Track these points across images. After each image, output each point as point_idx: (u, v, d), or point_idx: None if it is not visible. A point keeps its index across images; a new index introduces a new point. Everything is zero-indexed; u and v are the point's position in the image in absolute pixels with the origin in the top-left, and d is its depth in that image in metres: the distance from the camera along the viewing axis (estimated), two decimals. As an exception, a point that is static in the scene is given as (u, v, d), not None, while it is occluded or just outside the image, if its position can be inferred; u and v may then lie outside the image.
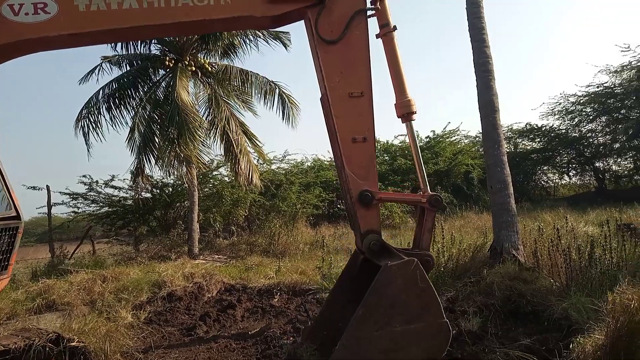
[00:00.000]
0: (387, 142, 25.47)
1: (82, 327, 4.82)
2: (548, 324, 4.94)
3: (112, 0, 3.47)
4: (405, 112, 3.93)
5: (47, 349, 3.74)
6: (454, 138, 25.55)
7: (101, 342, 4.21)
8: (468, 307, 5.61)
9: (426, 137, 25.11)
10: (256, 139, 14.08)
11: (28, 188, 13.83)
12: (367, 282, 3.54)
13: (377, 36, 3.98)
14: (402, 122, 3.99)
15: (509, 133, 27.63)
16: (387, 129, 62.36)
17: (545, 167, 28.55)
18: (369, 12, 3.89)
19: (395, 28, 3.95)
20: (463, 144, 26.00)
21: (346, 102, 3.79)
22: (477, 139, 26.54)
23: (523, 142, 28.43)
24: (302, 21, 3.93)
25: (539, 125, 26.91)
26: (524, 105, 69.91)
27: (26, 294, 7.84)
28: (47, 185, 13.66)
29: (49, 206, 13.78)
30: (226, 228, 16.69)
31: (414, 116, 3.95)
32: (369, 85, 3.85)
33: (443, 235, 7.60)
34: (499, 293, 5.87)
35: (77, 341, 4.02)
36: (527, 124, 27.29)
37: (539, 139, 27.48)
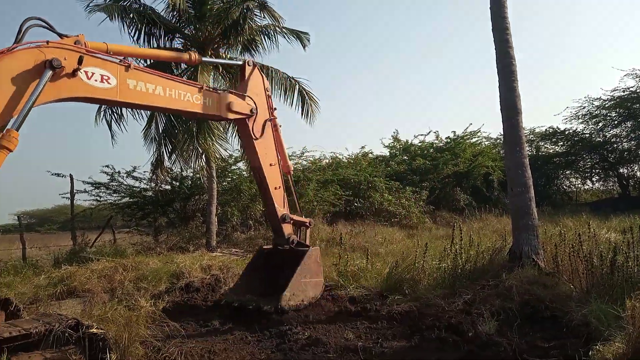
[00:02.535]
0: (407, 142, 25.28)
1: (102, 314, 4.91)
2: (567, 330, 4.87)
3: (149, 87, 5.21)
4: (290, 170, 7.45)
5: (67, 334, 3.80)
6: (474, 139, 25.24)
7: (120, 329, 4.28)
8: (485, 309, 5.55)
9: (446, 138, 24.87)
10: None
11: (52, 174, 14.09)
12: (273, 264, 7.23)
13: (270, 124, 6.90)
14: (286, 173, 7.33)
15: (531, 136, 27.21)
16: (407, 128, 62.02)
17: (567, 172, 28.03)
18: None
19: (276, 117, 7.10)
20: (484, 145, 25.68)
21: (269, 169, 6.82)
22: (498, 140, 26.18)
23: (545, 145, 27.99)
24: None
25: (562, 129, 26.44)
26: (546, 110, 68.59)
27: (48, 279, 8.03)
28: (70, 174, 13.88)
29: (72, 194, 14.01)
30: (244, 222, 16.77)
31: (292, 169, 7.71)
32: (276, 158, 6.98)
33: (461, 236, 7.53)
34: (517, 297, 5.80)
35: (96, 328, 4.08)
36: (549, 127, 26.86)
37: (561, 143, 27.00)
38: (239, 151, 15.10)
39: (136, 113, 12.96)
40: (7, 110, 4.03)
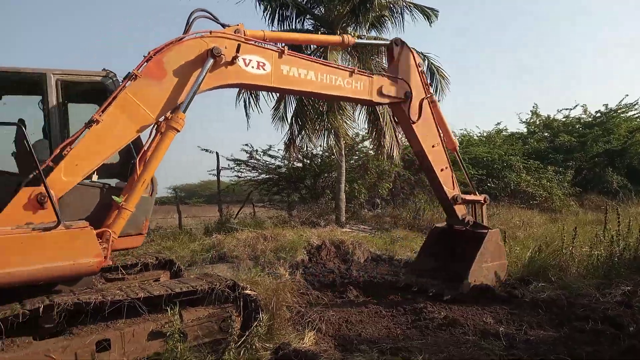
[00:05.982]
0: (548, 117, 23.05)
1: (249, 279, 5.38)
2: None
3: (302, 72, 5.25)
4: (456, 146, 6.86)
5: (225, 293, 4.21)
6: (631, 113, 22.06)
7: (270, 294, 4.65)
8: (650, 304, 4.93)
9: (596, 112, 22.12)
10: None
11: (201, 150, 15.68)
12: (446, 243, 6.89)
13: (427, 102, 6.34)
14: (452, 151, 6.82)
15: None
16: (547, 102, 56.39)
17: None
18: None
19: (432, 94, 6.60)
20: (644, 119, 22.35)
21: (432, 150, 6.41)
22: (663, 114, 22.59)
23: None
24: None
25: None
26: None
27: (201, 245, 9.04)
28: (216, 152, 15.18)
29: (218, 170, 15.34)
30: (370, 200, 16.94)
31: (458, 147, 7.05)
32: (439, 138, 6.48)
33: (619, 222, 6.73)
34: (690, 291, 5.04)
35: (249, 289, 4.46)
36: None
37: None
38: (364, 129, 15.19)
39: (269, 94, 13.71)
40: (177, 95, 4.33)
